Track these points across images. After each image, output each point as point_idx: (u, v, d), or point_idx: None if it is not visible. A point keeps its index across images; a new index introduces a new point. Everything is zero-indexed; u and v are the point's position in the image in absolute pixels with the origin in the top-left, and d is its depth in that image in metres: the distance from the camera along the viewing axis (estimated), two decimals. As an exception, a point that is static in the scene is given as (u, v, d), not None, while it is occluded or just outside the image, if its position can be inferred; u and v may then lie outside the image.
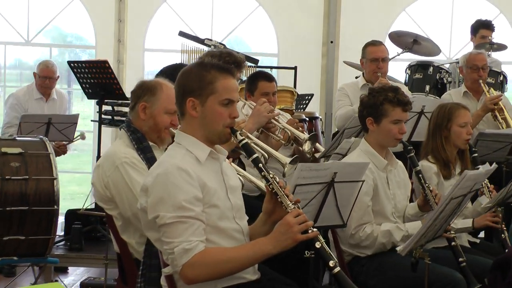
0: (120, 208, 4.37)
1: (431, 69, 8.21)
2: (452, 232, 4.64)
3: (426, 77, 8.20)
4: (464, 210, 5.39)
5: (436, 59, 8.80)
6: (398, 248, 3.86)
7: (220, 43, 8.15)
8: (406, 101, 4.81)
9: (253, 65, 8.40)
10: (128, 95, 7.97)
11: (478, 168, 5.38)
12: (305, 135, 5.84)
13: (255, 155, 3.67)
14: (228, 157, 3.96)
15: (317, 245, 3.52)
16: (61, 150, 8.36)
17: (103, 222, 7.54)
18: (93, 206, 7.53)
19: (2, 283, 7.06)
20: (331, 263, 3.51)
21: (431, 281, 4.19)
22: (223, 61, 5.37)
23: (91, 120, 8.90)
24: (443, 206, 3.73)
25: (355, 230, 4.74)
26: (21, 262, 6.14)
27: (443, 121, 5.41)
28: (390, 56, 7.50)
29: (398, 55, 8.59)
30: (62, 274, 7.55)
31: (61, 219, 7.36)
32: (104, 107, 8.00)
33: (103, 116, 7.97)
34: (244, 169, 5.01)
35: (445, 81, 8.20)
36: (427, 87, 8.05)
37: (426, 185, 4.84)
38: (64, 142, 8.33)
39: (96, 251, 7.28)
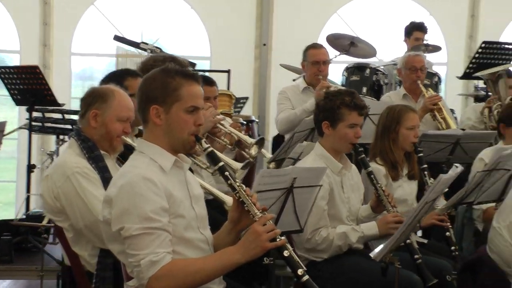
0: (71, 219, 4.22)
1: (367, 71, 8.24)
2: None
3: (363, 79, 8.24)
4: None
5: (369, 61, 8.86)
6: (372, 254, 3.83)
7: (156, 47, 8.02)
8: (362, 105, 4.82)
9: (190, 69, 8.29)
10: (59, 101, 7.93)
11: (425, 168, 5.46)
12: (252, 139, 5.79)
13: (221, 163, 3.60)
14: None
15: (286, 253, 3.48)
16: None
17: (35, 232, 7.29)
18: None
19: None
20: (299, 272, 3.48)
21: (389, 284, 4.20)
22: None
23: (19, 127, 8.65)
24: (418, 210, 3.73)
25: (311, 235, 4.71)
26: None
27: (392, 123, 5.44)
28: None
29: (335, 57, 8.59)
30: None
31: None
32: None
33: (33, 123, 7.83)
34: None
35: (381, 83, 8.25)
36: (364, 89, 8.07)
37: (379, 185, 4.85)
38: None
39: (28, 263, 7.03)
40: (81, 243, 4.27)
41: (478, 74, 7.62)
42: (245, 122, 7.34)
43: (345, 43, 8.76)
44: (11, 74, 7.71)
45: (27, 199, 7.86)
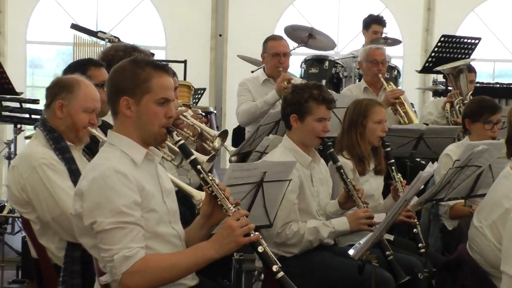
0: (38, 211, 4.13)
1: (326, 63, 8.26)
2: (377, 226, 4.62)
3: (322, 71, 8.24)
4: (378, 206, 5.41)
5: (327, 54, 8.84)
6: (350, 252, 3.78)
7: (114, 36, 7.90)
8: (330, 98, 4.77)
9: (152, 59, 8.20)
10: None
11: (392, 163, 5.43)
12: (215, 132, 5.72)
13: (193, 157, 3.53)
14: None
15: (260, 249, 3.46)
16: None
17: (-4, 223, 7.23)
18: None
19: None
20: (274, 268, 3.46)
21: (362, 282, 4.16)
22: (128, 55, 5.17)
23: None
24: (398, 207, 3.70)
25: (281, 229, 4.64)
26: None
27: (359, 117, 5.38)
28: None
29: (294, 49, 8.53)
30: None
31: None
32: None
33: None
34: None
35: (341, 75, 8.26)
36: (323, 82, 8.05)
37: (349, 180, 4.81)
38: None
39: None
40: (48, 236, 4.18)
41: (439, 68, 7.61)
42: (203, 114, 7.26)
43: (304, 35, 8.73)
44: (-34, 62, 7.59)
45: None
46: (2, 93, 7.79)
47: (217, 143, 5.66)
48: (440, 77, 8.99)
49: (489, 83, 9.48)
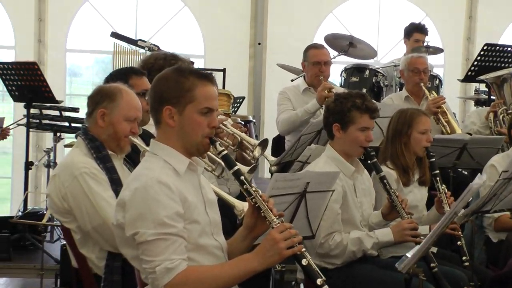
0: (79, 221, 4.12)
1: (367, 72, 8.17)
2: (422, 237, 4.53)
3: (363, 80, 8.15)
4: (422, 218, 5.32)
5: (367, 62, 8.77)
6: (397, 265, 3.70)
7: (154, 45, 7.90)
8: (374, 108, 4.71)
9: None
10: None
11: (437, 174, 5.33)
12: (256, 141, 5.66)
13: (236, 167, 3.47)
14: None
15: (304, 262, 3.39)
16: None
17: (34, 231, 7.29)
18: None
19: None
20: (318, 281, 3.39)
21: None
22: (168, 64, 5.15)
23: (17, 124, 8.52)
24: (447, 220, 3.62)
25: (324, 239, 4.59)
26: None
27: (403, 127, 5.31)
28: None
29: (334, 58, 8.46)
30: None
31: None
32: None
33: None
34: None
35: (381, 84, 8.17)
36: (364, 91, 7.93)
37: (392, 191, 4.72)
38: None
39: (26, 261, 6.99)
40: (89, 245, 4.17)
41: (482, 77, 7.49)
42: (242, 122, 7.21)
43: (344, 44, 8.65)
44: (9, 70, 7.68)
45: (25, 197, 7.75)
46: (43, 102, 7.86)
47: (257, 152, 5.59)
48: (482, 86, 8.84)
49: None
